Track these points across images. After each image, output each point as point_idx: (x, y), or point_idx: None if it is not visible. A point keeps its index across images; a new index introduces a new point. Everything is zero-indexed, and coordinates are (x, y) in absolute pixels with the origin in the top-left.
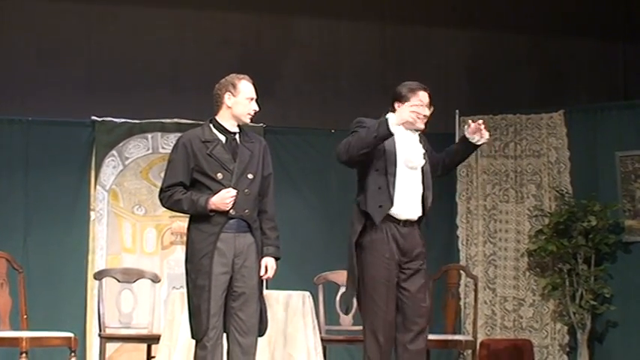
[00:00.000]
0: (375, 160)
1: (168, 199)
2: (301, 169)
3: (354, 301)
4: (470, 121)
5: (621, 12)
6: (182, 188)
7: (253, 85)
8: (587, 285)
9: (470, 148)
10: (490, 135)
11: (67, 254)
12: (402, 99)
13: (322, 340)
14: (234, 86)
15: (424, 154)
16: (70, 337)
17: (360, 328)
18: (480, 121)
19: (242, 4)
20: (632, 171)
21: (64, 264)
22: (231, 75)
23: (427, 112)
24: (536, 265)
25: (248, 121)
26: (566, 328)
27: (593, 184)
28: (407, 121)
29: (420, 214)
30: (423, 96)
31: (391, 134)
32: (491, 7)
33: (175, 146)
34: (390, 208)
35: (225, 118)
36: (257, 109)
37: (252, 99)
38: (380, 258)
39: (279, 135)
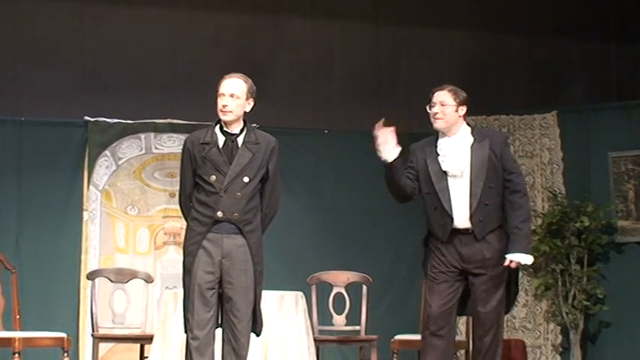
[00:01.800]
0: (423, 184)
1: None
2: (294, 170)
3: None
4: None
5: (614, 13)
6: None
7: (247, 81)
8: (580, 285)
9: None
10: None
11: (59, 254)
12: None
13: (315, 340)
14: (217, 86)
15: (471, 160)
16: (62, 338)
17: (353, 328)
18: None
19: (235, 5)
20: (624, 172)
21: (56, 264)
22: None
23: (435, 109)
24: (530, 266)
25: (223, 118)
26: (559, 328)
27: (586, 184)
28: (380, 149)
29: (466, 225)
30: (433, 96)
31: (388, 164)
32: (485, 8)
33: (182, 149)
34: (451, 224)
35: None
36: (225, 103)
37: (222, 95)
38: (433, 258)
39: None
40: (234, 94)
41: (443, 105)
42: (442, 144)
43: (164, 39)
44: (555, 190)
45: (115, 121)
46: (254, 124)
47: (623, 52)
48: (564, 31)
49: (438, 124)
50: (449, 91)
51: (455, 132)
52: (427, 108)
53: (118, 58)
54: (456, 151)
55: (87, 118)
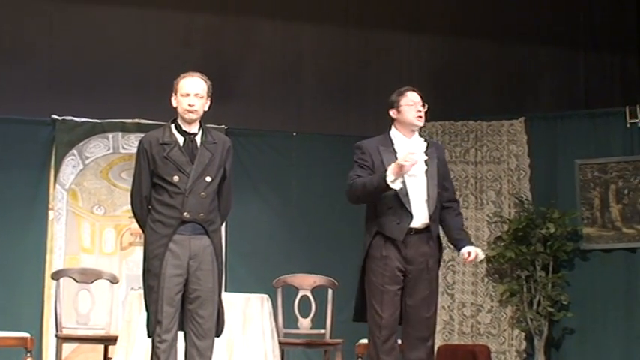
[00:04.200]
0: None
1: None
2: (262, 172)
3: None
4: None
5: (583, 20)
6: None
7: (208, 80)
8: (545, 291)
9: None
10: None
11: (24, 253)
12: (393, 105)
13: (280, 343)
14: (175, 86)
15: (426, 161)
16: (26, 338)
17: (318, 331)
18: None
19: (205, 5)
20: (591, 179)
21: (21, 263)
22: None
23: (421, 109)
24: (495, 272)
25: (189, 117)
26: (523, 334)
27: (553, 191)
28: (401, 171)
29: (426, 221)
30: (412, 95)
31: (390, 189)
32: (454, 13)
33: (138, 150)
34: (410, 222)
35: (180, 119)
36: (192, 103)
37: (187, 94)
38: (377, 264)
39: (240, 137)
40: (198, 94)
41: (421, 105)
42: (401, 144)
43: (133, 39)
44: (522, 197)
45: (83, 120)
46: (222, 125)
47: (592, 60)
48: (533, 38)
49: (421, 123)
50: (420, 95)
51: (413, 134)
52: (413, 107)
53: (86, 57)
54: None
55: (54, 116)
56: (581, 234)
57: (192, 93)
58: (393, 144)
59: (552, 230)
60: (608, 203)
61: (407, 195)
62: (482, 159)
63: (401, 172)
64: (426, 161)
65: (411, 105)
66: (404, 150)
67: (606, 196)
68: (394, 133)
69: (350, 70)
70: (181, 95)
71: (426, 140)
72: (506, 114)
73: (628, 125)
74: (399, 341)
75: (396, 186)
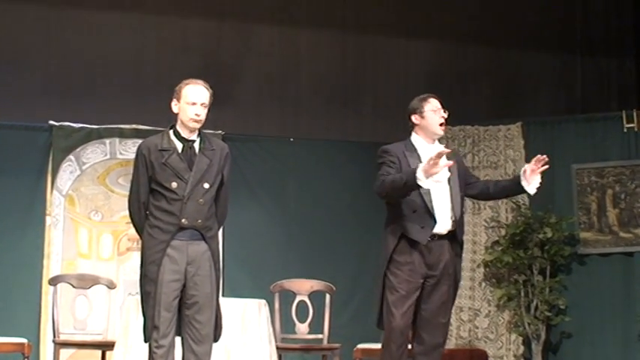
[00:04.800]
0: None
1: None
2: (259, 177)
3: None
4: (532, 162)
5: (579, 26)
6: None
7: (212, 89)
8: (542, 296)
9: (520, 190)
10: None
11: (22, 259)
12: (416, 111)
13: (278, 348)
14: (178, 92)
15: (450, 168)
16: (23, 343)
17: (316, 336)
18: (543, 157)
19: (202, 11)
20: (587, 184)
21: (18, 269)
22: (182, 81)
23: (444, 115)
24: (492, 276)
25: (193, 126)
26: (521, 338)
27: (550, 196)
28: (431, 170)
29: (449, 228)
30: (435, 102)
31: (419, 187)
32: (451, 19)
33: (136, 156)
34: (434, 227)
35: (180, 126)
36: (199, 113)
37: (193, 103)
38: (402, 270)
39: (237, 142)
40: (204, 103)
41: (444, 112)
42: (424, 150)
43: (130, 44)
44: (519, 202)
45: (80, 125)
46: (220, 131)
47: (588, 65)
48: (530, 43)
49: (443, 130)
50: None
51: (434, 141)
52: (438, 113)
53: (83, 63)
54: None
55: (51, 122)
56: (578, 238)
57: (198, 102)
58: (416, 149)
59: (550, 235)
60: (605, 208)
61: (431, 200)
62: (480, 164)
63: (431, 171)
64: (449, 168)
65: (436, 111)
66: (428, 155)
67: (603, 200)
68: (416, 138)
69: (347, 75)
70: (187, 103)
71: (445, 147)
72: (503, 119)
73: (625, 130)
74: (409, 346)
75: (426, 185)
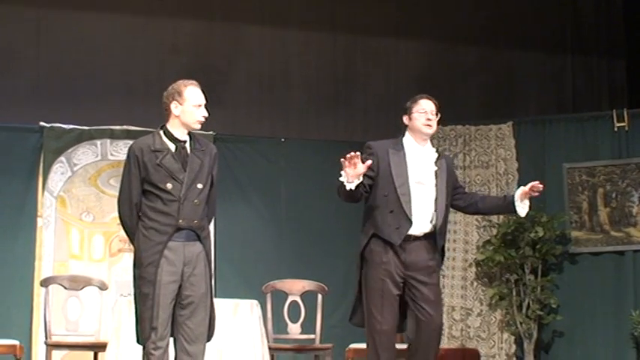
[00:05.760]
0: (382, 186)
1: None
2: (250, 178)
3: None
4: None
5: (570, 25)
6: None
7: (202, 90)
8: (534, 295)
9: (510, 210)
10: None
11: (13, 261)
12: (407, 112)
13: (270, 348)
14: (179, 94)
15: (436, 172)
16: (15, 345)
17: (308, 336)
18: (540, 186)
19: (192, 12)
20: (579, 183)
21: (10, 270)
22: (177, 82)
23: (432, 117)
24: (484, 275)
25: (198, 127)
26: (513, 337)
27: (541, 195)
28: (351, 175)
29: (427, 230)
30: (424, 103)
31: (350, 190)
32: (441, 18)
33: (128, 157)
34: (409, 228)
35: (174, 127)
36: (206, 114)
37: (199, 105)
38: (376, 269)
39: (228, 143)
40: (205, 104)
41: (433, 114)
42: (412, 150)
43: (120, 45)
44: None
45: (71, 127)
46: (211, 132)
47: (579, 64)
48: (520, 43)
49: (430, 131)
50: (435, 104)
51: (426, 142)
52: (423, 115)
53: (73, 64)
54: (425, 160)
55: (42, 123)
56: (569, 237)
57: (203, 104)
58: (403, 148)
59: (541, 234)
60: (596, 207)
61: (410, 201)
62: (471, 163)
63: (350, 173)
64: (436, 172)
65: (422, 113)
66: (415, 156)
67: (594, 199)
68: (407, 138)
69: (338, 75)
70: (193, 106)
71: (437, 151)
72: (494, 118)
73: (615, 129)
74: (404, 346)
75: (350, 186)
